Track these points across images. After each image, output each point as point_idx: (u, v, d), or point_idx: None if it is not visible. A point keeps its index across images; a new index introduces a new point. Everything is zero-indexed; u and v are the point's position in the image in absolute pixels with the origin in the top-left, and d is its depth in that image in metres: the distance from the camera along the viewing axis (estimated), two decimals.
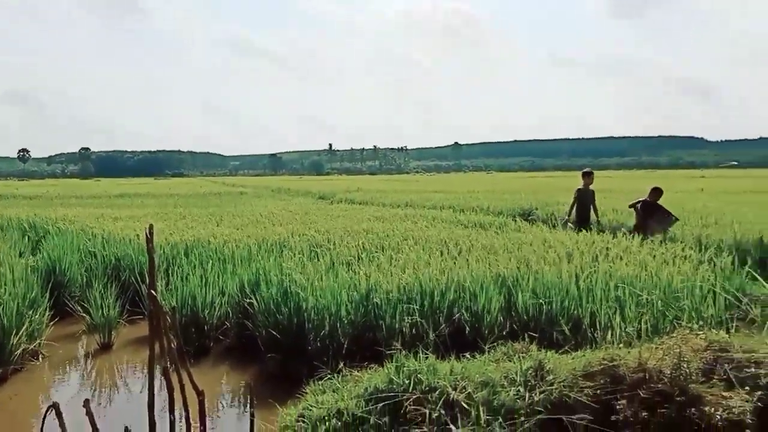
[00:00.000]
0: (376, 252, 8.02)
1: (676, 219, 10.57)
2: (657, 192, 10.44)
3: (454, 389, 4.12)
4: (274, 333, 6.13)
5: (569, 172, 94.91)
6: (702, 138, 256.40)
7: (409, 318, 6.04)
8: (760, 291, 7.07)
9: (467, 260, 7.33)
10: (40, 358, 6.90)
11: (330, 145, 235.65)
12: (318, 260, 7.60)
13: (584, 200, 11.13)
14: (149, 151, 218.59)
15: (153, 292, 4.66)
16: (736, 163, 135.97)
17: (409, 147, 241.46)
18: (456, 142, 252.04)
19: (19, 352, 6.38)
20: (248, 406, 4.88)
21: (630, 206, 10.95)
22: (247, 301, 6.84)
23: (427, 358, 4.43)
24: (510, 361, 4.71)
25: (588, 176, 11.25)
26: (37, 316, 6.93)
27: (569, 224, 10.95)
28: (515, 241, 9.00)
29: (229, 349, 7.18)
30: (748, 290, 6.82)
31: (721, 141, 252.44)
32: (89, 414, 4.45)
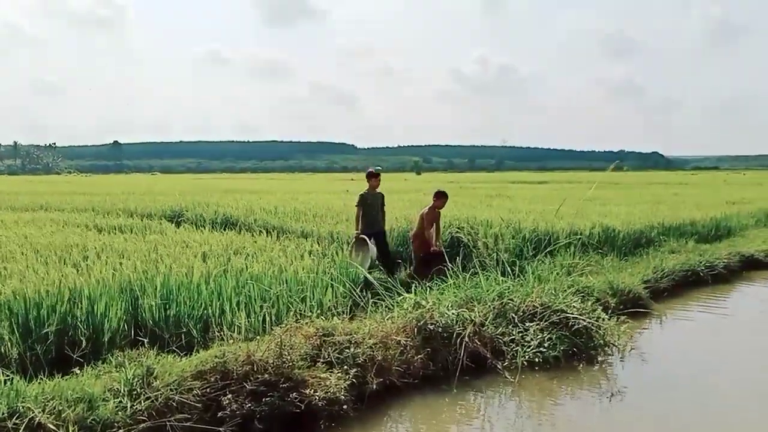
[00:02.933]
0: None
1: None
2: (442, 197, 9.25)
3: (43, 411, 3.68)
4: None
5: (234, 174, 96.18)
6: (353, 145, 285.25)
7: (7, 337, 5.26)
8: (375, 278, 8.07)
9: (91, 267, 6.72)
10: None
11: None
12: None
13: (372, 206, 9.48)
14: None
15: None
16: (380, 168, 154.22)
17: (58, 144, 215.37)
18: (116, 141, 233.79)
19: None
20: None
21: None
22: None
23: (8, 380, 3.87)
24: (119, 370, 4.43)
25: (374, 177, 9.72)
26: None
27: (360, 238, 9.09)
28: (152, 243, 8.62)
29: None
30: (360, 279, 7.70)
31: (369, 148, 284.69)
32: None
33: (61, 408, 3.74)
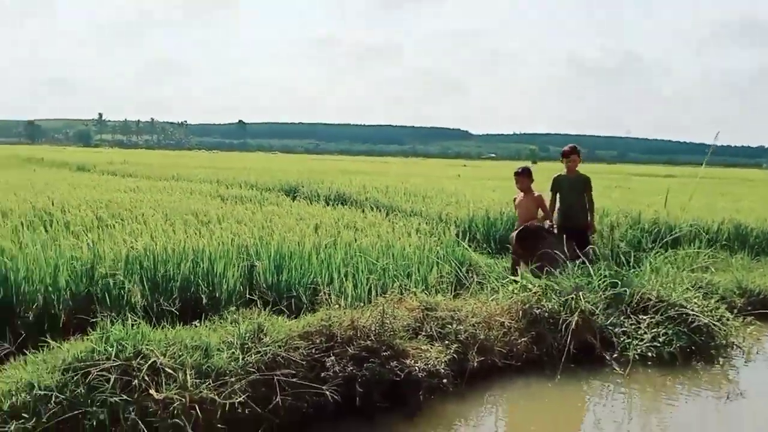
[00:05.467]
0: (114, 222, 7.46)
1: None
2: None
3: (163, 355, 3.98)
4: None
5: (350, 156, 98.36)
6: (467, 131, 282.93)
7: (139, 288, 5.73)
8: (480, 260, 7.99)
9: (212, 231, 7.16)
10: None
11: (100, 114, 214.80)
12: (44, 230, 6.85)
13: (569, 192, 7.58)
14: None
15: None
16: (494, 155, 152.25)
17: (190, 122, 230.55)
18: (241, 121, 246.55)
19: None
20: None
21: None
22: None
23: (135, 325, 4.21)
24: (234, 326, 4.69)
25: (570, 156, 7.59)
26: None
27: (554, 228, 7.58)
28: (269, 214, 9.03)
29: None
30: (466, 259, 7.65)
31: (484, 134, 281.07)
32: None
33: (180, 354, 4.02)
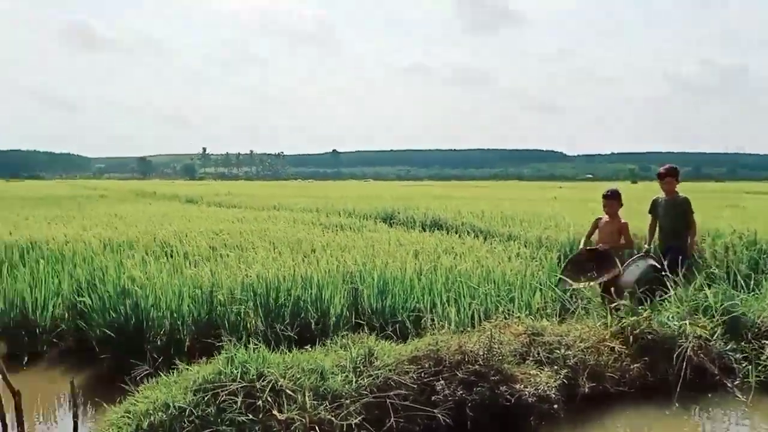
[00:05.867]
0: (228, 252, 7.93)
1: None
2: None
3: (283, 377, 4.21)
4: (109, 333, 5.89)
5: (441, 182, 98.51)
6: (562, 152, 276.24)
7: (254, 314, 6.08)
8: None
9: (318, 258, 7.46)
10: None
11: (204, 149, 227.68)
12: (166, 259, 7.41)
13: (665, 215, 7.39)
14: (0, 151, 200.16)
15: None
16: (591, 176, 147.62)
17: (286, 153, 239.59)
18: (335, 150, 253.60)
19: None
20: (72, 406, 4.68)
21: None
22: (80, 300, 6.52)
23: (256, 349, 4.48)
24: (345, 350, 4.88)
25: (665, 178, 7.40)
26: None
27: (650, 258, 7.20)
28: (369, 240, 9.27)
29: (65, 353, 6.80)
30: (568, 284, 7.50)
31: (580, 155, 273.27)
32: None
33: (298, 376, 4.24)
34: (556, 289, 7.04)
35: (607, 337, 5.66)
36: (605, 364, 5.32)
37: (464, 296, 6.62)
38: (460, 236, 10.19)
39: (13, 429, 4.48)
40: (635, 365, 5.43)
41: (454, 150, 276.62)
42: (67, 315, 6.91)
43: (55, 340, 6.86)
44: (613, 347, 5.52)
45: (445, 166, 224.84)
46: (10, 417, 4.45)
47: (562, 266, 7.60)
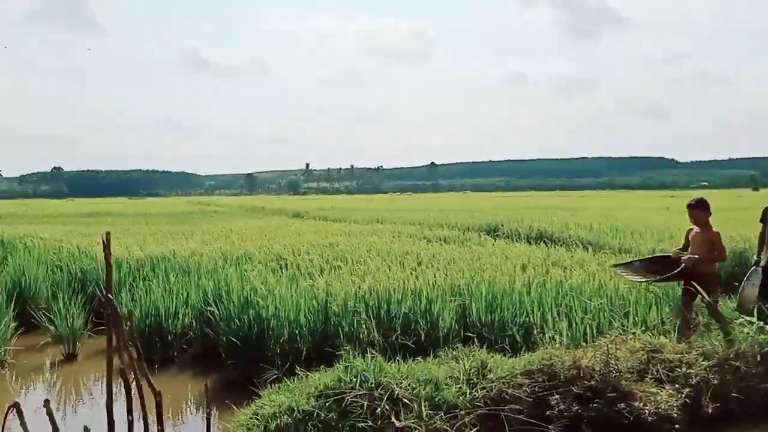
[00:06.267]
0: (338, 264, 8.25)
1: None
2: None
3: (399, 386, 4.36)
4: (235, 340, 6.31)
5: (543, 192, 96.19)
6: (673, 159, 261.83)
7: (366, 325, 6.29)
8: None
9: (425, 271, 7.60)
10: (5, 367, 6.98)
11: (307, 164, 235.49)
12: (281, 272, 7.82)
13: None
14: (123, 171, 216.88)
15: (110, 296, 4.85)
16: (706, 183, 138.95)
17: (385, 167, 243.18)
18: (432, 162, 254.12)
19: None
20: (206, 407, 5.07)
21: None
22: (209, 309, 7.02)
23: (374, 358, 4.66)
24: (456, 362, 4.97)
25: None
26: (1, 326, 7.01)
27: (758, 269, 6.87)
28: (475, 253, 9.31)
29: (194, 358, 7.33)
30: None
31: (692, 162, 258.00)
32: (49, 413, 4.60)
33: (414, 386, 4.38)
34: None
35: (731, 355, 5.38)
36: (730, 383, 5.06)
37: (576, 311, 6.52)
38: (568, 249, 10.00)
39: (154, 426, 4.90)
40: (763, 385, 5.13)
41: (557, 159, 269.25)
42: (195, 323, 7.46)
43: (184, 346, 7.43)
44: (739, 366, 5.24)
45: (548, 176, 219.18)
46: (151, 416, 4.89)
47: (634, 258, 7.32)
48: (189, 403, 6.24)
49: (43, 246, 11.49)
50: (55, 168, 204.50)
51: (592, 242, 11.22)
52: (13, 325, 7.43)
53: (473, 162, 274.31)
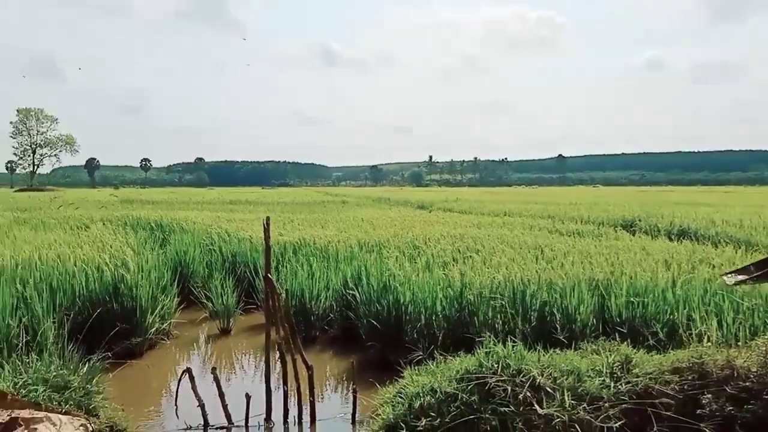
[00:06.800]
0: (471, 254, 8.35)
1: None
2: None
3: (541, 375, 4.41)
4: (375, 323, 6.62)
5: (682, 187, 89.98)
6: None
7: (501, 314, 6.36)
8: None
9: (562, 264, 7.51)
10: (169, 338, 7.79)
11: (430, 156, 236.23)
12: (415, 260, 8.05)
13: None
14: (258, 162, 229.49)
15: (269, 275, 5.29)
16: None
17: (510, 159, 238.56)
18: (560, 155, 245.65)
19: (153, 330, 7.29)
20: (352, 383, 5.40)
21: None
22: (350, 293, 7.40)
23: (515, 345, 4.73)
24: (598, 355, 4.92)
25: None
26: (167, 301, 7.83)
27: None
28: (612, 248, 9.03)
29: (334, 339, 7.77)
30: None
31: None
32: (216, 379, 5.14)
33: (555, 375, 4.40)
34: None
35: None
36: None
37: (727, 310, 6.18)
38: (715, 246, 9.42)
39: (305, 396, 5.29)
40: None
41: (698, 152, 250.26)
42: (335, 306, 7.90)
43: (325, 327, 7.89)
44: None
45: (687, 170, 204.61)
46: (302, 387, 5.29)
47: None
48: (331, 379, 6.64)
49: (195, 230, 12.57)
50: (197, 159, 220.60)
51: (743, 240, 10.46)
52: (176, 300, 8.27)
53: (604, 154, 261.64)
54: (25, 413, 4.54)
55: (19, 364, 5.13)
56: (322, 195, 50.56)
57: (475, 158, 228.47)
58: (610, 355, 4.77)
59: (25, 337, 5.80)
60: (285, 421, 5.20)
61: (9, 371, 5.04)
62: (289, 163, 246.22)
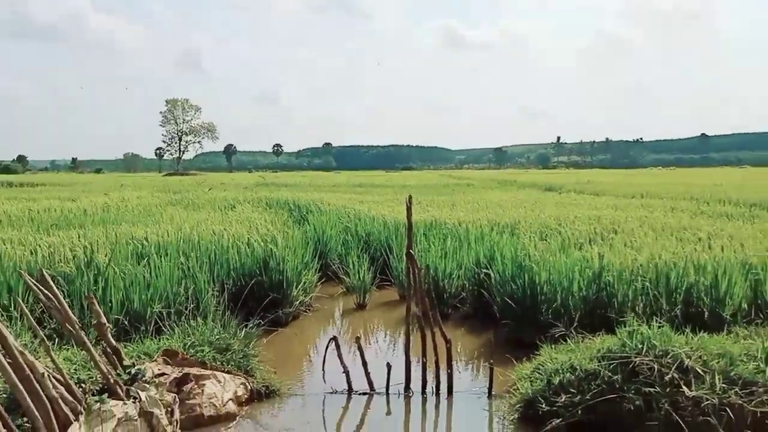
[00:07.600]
0: (609, 235, 8.11)
1: None
2: None
3: (689, 357, 4.28)
4: (510, 302, 6.67)
5: None
6: None
7: (643, 296, 6.16)
8: None
9: (709, 246, 7.12)
10: (310, 310, 8.31)
11: (558, 137, 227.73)
12: (548, 241, 7.96)
13: None
14: (382, 146, 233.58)
15: (410, 251, 5.51)
16: None
17: (645, 139, 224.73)
18: (703, 134, 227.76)
19: (297, 302, 7.82)
20: (490, 358, 5.52)
21: None
22: (484, 272, 7.48)
23: (661, 327, 4.62)
24: (752, 339, 4.69)
25: None
26: (309, 276, 8.35)
27: None
28: (766, 232, 8.40)
29: (466, 317, 7.90)
30: None
31: None
32: (360, 348, 5.46)
33: (705, 358, 4.26)
34: None
35: None
36: None
37: None
38: None
39: (442, 369, 5.47)
40: None
41: None
42: (467, 285, 8.02)
43: (457, 305, 8.04)
44: None
45: None
46: (440, 360, 5.48)
47: None
48: (464, 355, 6.77)
49: (331, 210, 13.17)
50: (325, 143, 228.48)
51: None
52: (317, 275, 8.79)
53: (755, 133, 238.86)
54: (194, 370, 5.11)
55: (187, 327, 5.76)
56: (446, 178, 50.61)
57: (607, 138, 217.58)
58: (766, 340, 4.53)
59: (191, 305, 6.45)
60: (423, 392, 5.41)
61: (179, 334, 5.67)
62: (412, 146, 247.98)
